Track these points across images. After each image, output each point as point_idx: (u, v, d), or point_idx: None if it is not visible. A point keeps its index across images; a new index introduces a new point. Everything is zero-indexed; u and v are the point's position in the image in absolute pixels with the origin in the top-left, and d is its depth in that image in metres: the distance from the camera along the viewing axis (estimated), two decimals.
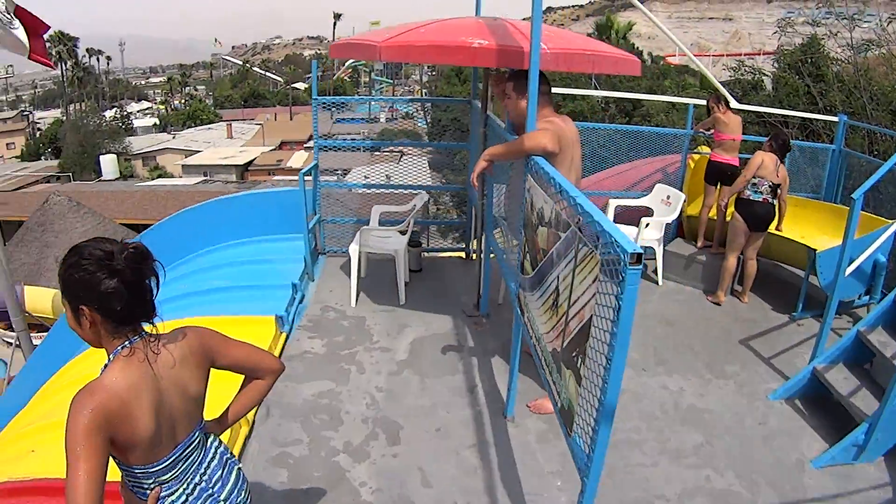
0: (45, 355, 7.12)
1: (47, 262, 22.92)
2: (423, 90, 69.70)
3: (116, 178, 47.63)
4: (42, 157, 59.08)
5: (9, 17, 6.54)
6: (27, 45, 6.24)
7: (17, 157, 62.71)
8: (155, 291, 1.90)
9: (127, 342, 1.86)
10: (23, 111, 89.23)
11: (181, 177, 47.32)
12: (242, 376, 2.32)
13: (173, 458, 1.98)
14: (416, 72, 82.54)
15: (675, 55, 51.91)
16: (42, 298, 14.22)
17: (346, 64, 78.92)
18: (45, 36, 6.80)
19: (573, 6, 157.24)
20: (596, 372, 2.17)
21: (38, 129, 70.71)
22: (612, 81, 27.68)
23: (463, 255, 7.70)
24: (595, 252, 2.15)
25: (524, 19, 4.30)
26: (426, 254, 7.55)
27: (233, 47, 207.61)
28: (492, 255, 5.17)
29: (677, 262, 7.08)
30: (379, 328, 5.63)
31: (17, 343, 9.17)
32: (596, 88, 23.06)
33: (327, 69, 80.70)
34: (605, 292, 2.05)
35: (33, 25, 6.25)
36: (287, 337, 5.36)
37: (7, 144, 67.60)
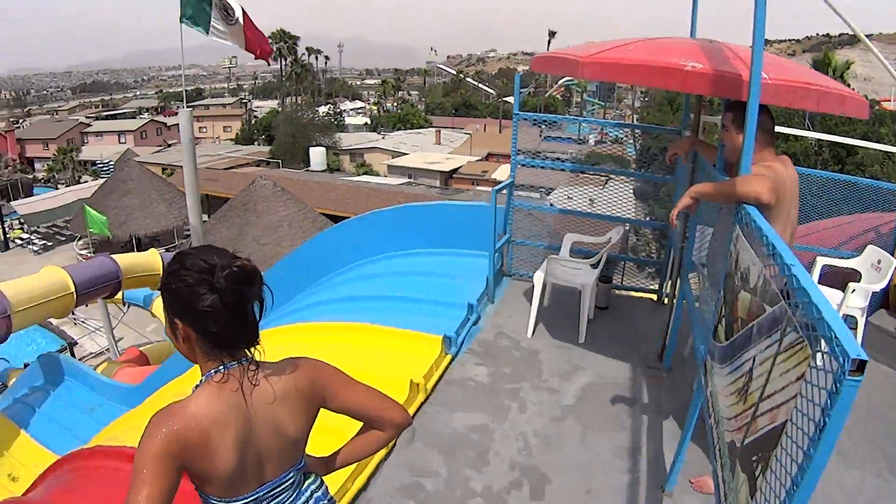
0: None
1: (245, 240, 24.85)
2: (635, 116, 67.66)
3: (323, 170, 50.58)
4: (255, 143, 65.12)
5: (232, 13, 7.11)
6: (244, 39, 6.74)
7: (231, 140, 70.65)
8: (258, 316, 1.75)
9: (222, 367, 1.73)
10: (242, 99, 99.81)
11: (386, 176, 49.05)
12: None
13: (256, 496, 1.81)
14: (629, 96, 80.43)
15: (890, 100, 46.40)
16: None
17: (560, 82, 78.76)
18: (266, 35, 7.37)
19: (789, 40, 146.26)
20: (776, 493, 1.73)
21: (255, 117, 78.55)
22: (827, 123, 24.83)
23: (654, 297, 7.10)
24: (806, 344, 1.68)
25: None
26: (616, 291, 7.06)
27: (448, 57, 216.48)
28: (684, 303, 4.63)
29: (879, 336, 6.02)
30: (551, 365, 5.30)
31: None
32: (809, 129, 20.83)
33: (540, 85, 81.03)
34: (809, 398, 1.58)
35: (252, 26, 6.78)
36: (452, 359, 5.20)
37: (224, 127, 78.16)
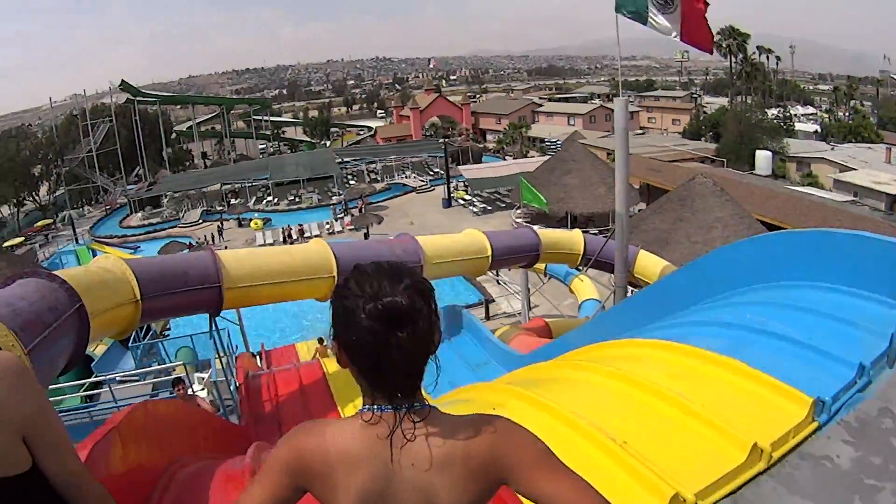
0: (613, 318, 7.16)
1: (677, 235, 24.43)
2: None
3: (768, 176, 48.14)
4: (701, 139, 64.44)
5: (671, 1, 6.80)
6: (677, 28, 6.26)
7: (678, 133, 71.32)
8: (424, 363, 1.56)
9: (375, 407, 1.55)
10: (692, 94, 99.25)
11: (831, 190, 44.68)
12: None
13: None
14: None
15: None
16: (651, 263, 15.04)
17: None
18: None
19: None
20: None
21: (704, 112, 77.33)
22: None
23: None
24: None
25: None
26: None
27: None
28: None
29: None
30: None
31: None
32: None
33: None
34: None
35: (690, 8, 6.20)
36: (816, 430, 3.86)
37: (673, 120, 79.66)
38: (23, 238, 54.87)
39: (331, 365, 13.39)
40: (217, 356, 13.09)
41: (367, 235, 39.86)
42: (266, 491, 1.54)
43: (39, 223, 61.55)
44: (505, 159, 61.15)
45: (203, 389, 12.49)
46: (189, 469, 4.32)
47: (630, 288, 12.83)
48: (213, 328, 11.80)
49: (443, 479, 1.50)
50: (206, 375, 12.70)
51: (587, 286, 20.57)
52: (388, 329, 1.45)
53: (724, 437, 3.18)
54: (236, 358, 14.58)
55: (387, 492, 1.50)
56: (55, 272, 7.40)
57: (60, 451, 1.76)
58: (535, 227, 16.81)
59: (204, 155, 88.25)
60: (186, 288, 10.02)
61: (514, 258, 16.12)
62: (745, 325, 4.31)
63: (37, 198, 70.76)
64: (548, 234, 16.38)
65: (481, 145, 72.71)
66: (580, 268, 17.28)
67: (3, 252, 32.34)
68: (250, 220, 49.72)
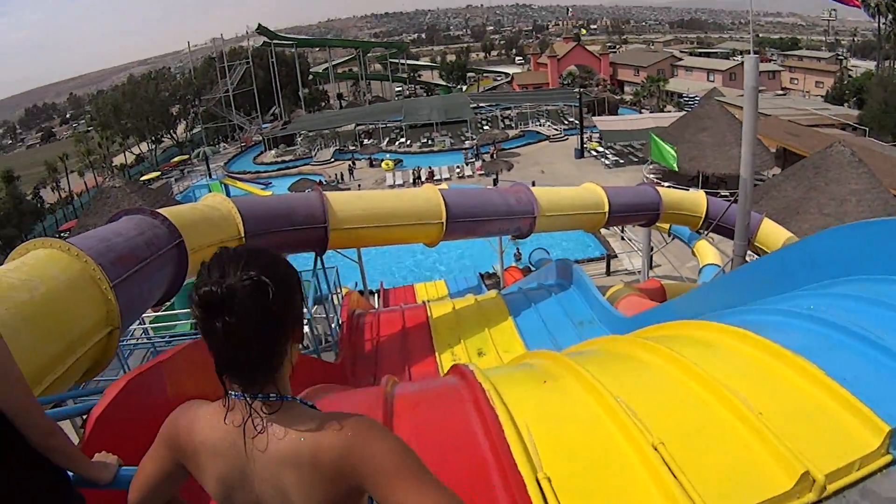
0: (709, 293, 6.65)
1: (808, 205, 23.09)
2: None
3: None
4: (844, 104, 59.26)
5: None
6: None
7: (821, 97, 66.00)
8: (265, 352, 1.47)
9: (231, 393, 1.51)
10: (838, 55, 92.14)
11: None
12: None
13: None
14: None
15: None
16: (774, 234, 14.09)
17: None
18: None
19: None
20: None
21: (849, 76, 70.82)
22: None
23: None
24: None
25: None
26: None
27: None
28: None
29: None
30: None
31: None
32: None
33: None
34: None
35: None
36: (887, 465, 3.25)
37: (816, 83, 73.33)
38: (159, 172, 58.76)
39: (436, 309, 13.47)
40: (323, 293, 13.41)
41: (496, 181, 39.73)
42: (154, 462, 1.64)
43: (176, 159, 65.54)
44: (640, 112, 58.86)
45: (306, 325, 12.84)
46: None
47: (753, 256, 12.01)
48: (320, 266, 12.11)
49: (291, 477, 1.43)
50: (311, 311, 13.02)
51: (709, 250, 19.49)
52: (207, 316, 1.41)
53: (773, 457, 2.76)
54: (344, 296, 14.91)
55: (244, 481, 1.48)
56: (159, 210, 7.76)
57: (5, 381, 1.82)
58: (658, 186, 16.00)
59: (340, 96, 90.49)
60: (292, 227, 10.27)
61: (633, 216, 15.46)
62: (835, 323, 3.68)
63: (174, 135, 75.45)
64: (669, 194, 15.58)
65: (618, 97, 70.24)
66: (701, 231, 16.33)
67: (139, 185, 34.63)
68: (381, 160, 50.55)
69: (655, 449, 2.80)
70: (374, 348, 12.46)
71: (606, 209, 13.80)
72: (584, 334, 11.81)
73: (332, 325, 13.24)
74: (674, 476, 2.61)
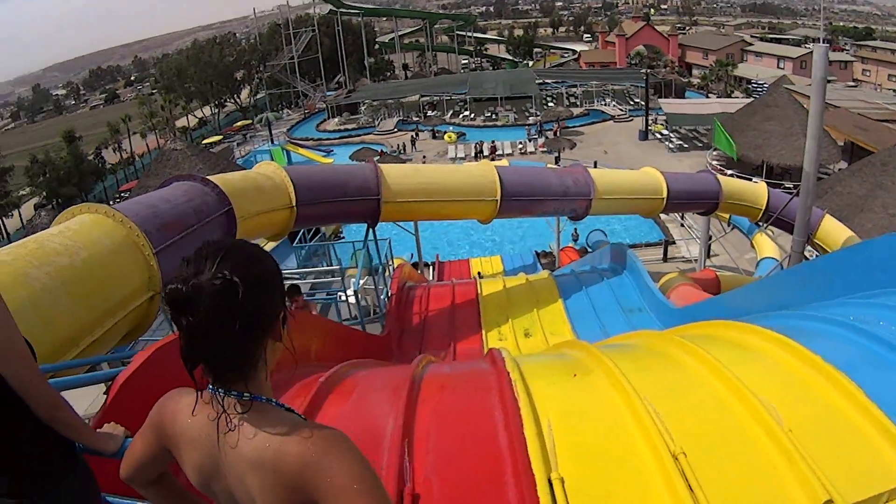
0: (758, 292, 6.44)
1: (873, 203, 22.64)
2: None
3: None
4: None
5: None
6: None
7: (893, 90, 62.54)
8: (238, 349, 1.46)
9: (210, 387, 1.51)
10: None
11: None
12: None
13: None
14: None
15: None
16: (835, 231, 13.59)
17: None
18: None
19: None
20: None
21: None
22: None
23: None
24: None
25: None
26: None
27: None
28: None
29: None
30: None
31: None
32: None
33: None
34: None
35: None
36: None
37: (889, 76, 70.28)
38: (221, 136, 59.81)
39: (486, 287, 13.42)
40: (373, 265, 13.50)
41: (558, 159, 39.30)
42: (142, 442, 1.69)
43: (238, 123, 66.41)
44: (708, 97, 57.46)
45: (354, 296, 12.97)
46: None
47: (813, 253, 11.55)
48: (372, 237, 12.17)
49: (254, 479, 1.43)
50: (361, 282, 13.13)
51: (768, 243, 18.87)
52: (175, 313, 1.42)
53: (797, 479, 2.62)
54: (396, 268, 14.98)
55: (218, 472, 1.51)
56: (210, 177, 7.89)
57: (9, 357, 1.88)
58: (720, 174, 15.54)
59: (405, 66, 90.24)
60: (344, 198, 10.34)
61: (691, 204, 15.08)
62: (884, 338, 3.46)
63: (238, 100, 76.43)
64: (730, 183, 15.13)
65: (685, 80, 68.15)
66: (760, 224, 15.79)
67: (200, 148, 35.21)
68: (445, 132, 50.38)
69: (676, 458, 2.69)
70: (421, 322, 12.49)
71: (665, 195, 13.48)
72: (634, 322, 11.62)
73: (381, 297, 13.31)
74: (690, 489, 2.51)
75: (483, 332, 11.80)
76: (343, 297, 12.18)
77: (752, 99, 43.43)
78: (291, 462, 1.39)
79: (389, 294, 12.65)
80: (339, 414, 3.69)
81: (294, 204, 9.31)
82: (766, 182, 29.56)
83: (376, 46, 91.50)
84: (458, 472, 2.96)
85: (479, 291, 13.10)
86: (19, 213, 47.19)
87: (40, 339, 4.13)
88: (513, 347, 11.06)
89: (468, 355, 10.63)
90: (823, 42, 10.88)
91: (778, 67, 66.87)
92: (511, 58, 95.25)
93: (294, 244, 16.44)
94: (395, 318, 12.01)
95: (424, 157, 44.52)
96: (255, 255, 1.51)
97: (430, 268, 22.33)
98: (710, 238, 20.80)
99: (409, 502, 2.81)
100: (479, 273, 18.96)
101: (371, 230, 11.86)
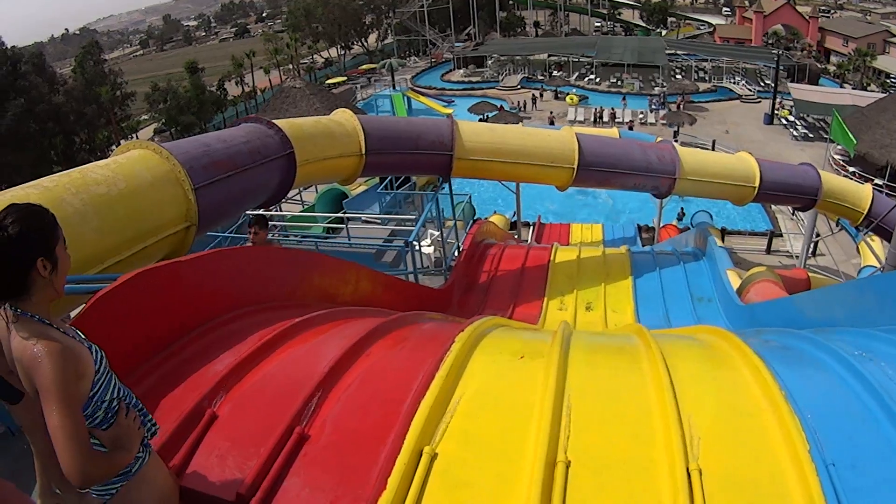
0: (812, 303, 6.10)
1: None
2: None
3: None
4: None
5: None
6: None
7: None
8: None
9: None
10: None
11: None
12: None
13: None
14: None
15: None
16: None
17: None
18: None
19: None
20: None
21: None
22: None
23: None
24: None
25: None
26: None
27: None
28: None
29: None
30: None
31: None
32: None
33: None
34: None
35: None
36: None
37: None
38: (345, 78, 60.36)
39: (561, 254, 13.19)
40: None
41: (676, 133, 37.77)
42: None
43: (364, 66, 66.91)
44: (843, 86, 52.80)
45: (430, 246, 13.05)
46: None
47: None
48: (446, 191, 12.18)
49: (18, 366, 2.10)
50: (436, 234, 13.18)
51: (876, 249, 17.28)
52: None
53: None
54: (473, 223, 14.92)
55: (12, 360, 2.14)
56: (280, 121, 8.09)
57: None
58: (843, 170, 14.31)
59: (536, 24, 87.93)
60: (416, 150, 10.34)
61: (785, 197, 14.07)
62: (875, 385, 3.06)
63: (365, 44, 76.75)
64: (832, 181, 13.96)
65: (822, 66, 62.44)
66: (861, 228, 14.48)
67: (320, 87, 35.71)
68: (567, 94, 49.31)
69: (554, 466, 2.55)
70: (488, 280, 12.45)
71: (756, 184, 12.66)
72: (700, 311, 11.17)
73: (451, 252, 13.34)
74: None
75: (545, 299, 11.62)
76: (418, 247, 12.34)
77: (886, 94, 39.50)
78: (24, 359, 2.04)
79: (461, 249, 12.67)
80: (292, 353, 3.79)
81: (363, 152, 9.40)
82: (889, 185, 27.08)
83: (509, 1, 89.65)
84: (351, 424, 2.98)
85: (551, 258, 12.89)
86: (136, 136, 48.80)
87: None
88: (571, 319, 10.89)
89: (525, 320, 10.54)
90: None
91: None
92: (644, 25, 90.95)
93: (378, 191, 16.75)
94: (463, 273, 12.03)
95: (553, 117, 43.63)
96: (28, 214, 2.10)
97: (531, 228, 22.14)
98: (818, 236, 19.36)
99: (295, 440, 2.96)
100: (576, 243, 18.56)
101: (446, 183, 11.89)
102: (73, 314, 3.72)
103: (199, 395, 3.31)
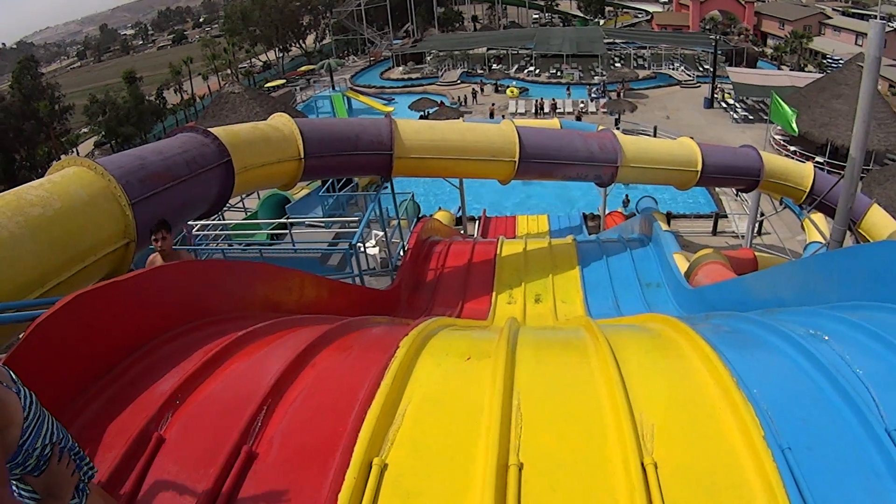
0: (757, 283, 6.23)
1: None
2: None
3: None
4: None
5: None
6: None
7: None
8: None
9: None
10: None
11: None
12: None
13: None
14: None
15: None
16: (881, 223, 13.03)
17: None
18: None
19: None
20: None
21: None
22: None
23: None
24: None
25: None
26: None
27: None
28: None
29: None
30: None
31: None
32: None
33: None
34: None
35: None
36: None
37: None
38: (284, 80, 59.44)
39: (507, 247, 13.26)
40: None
41: (617, 121, 38.37)
42: None
43: (302, 68, 66.30)
44: (780, 69, 54.34)
45: (375, 247, 12.98)
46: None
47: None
48: (388, 191, 12.17)
49: None
50: (380, 234, 13.14)
51: (820, 225, 17.95)
52: None
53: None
54: (418, 221, 14.88)
55: None
56: (216, 129, 7.97)
57: None
58: (784, 150, 14.78)
59: (475, 18, 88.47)
60: (355, 151, 10.28)
61: (729, 179, 14.46)
62: (825, 363, 3.20)
63: (303, 45, 75.92)
64: (773, 161, 14.37)
65: (758, 49, 64.50)
66: (804, 206, 15.00)
67: (259, 92, 35.27)
68: (507, 87, 49.59)
69: (507, 468, 2.55)
70: (435, 278, 12.43)
71: (699, 168, 12.93)
72: (649, 296, 11.34)
73: (396, 251, 13.30)
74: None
75: (494, 293, 11.67)
76: (362, 248, 12.25)
77: (821, 74, 41.06)
78: None
79: (406, 248, 12.64)
80: (236, 369, 3.71)
81: (302, 156, 9.31)
82: (830, 163, 28.12)
83: None
84: (299, 439, 2.96)
85: (497, 252, 12.94)
86: (77, 151, 48.14)
87: (2, 278, 4.42)
88: (520, 312, 10.98)
89: (474, 316, 10.59)
90: (880, 19, 9.95)
91: (856, 44, 62.43)
92: (582, 15, 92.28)
93: (321, 193, 16.61)
94: (409, 272, 11.97)
95: (495, 110, 43.93)
96: None
97: (476, 222, 22.22)
98: (762, 215, 19.94)
99: (243, 459, 2.89)
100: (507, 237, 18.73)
101: (386, 183, 11.90)
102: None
103: (145, 418, 3.24)
